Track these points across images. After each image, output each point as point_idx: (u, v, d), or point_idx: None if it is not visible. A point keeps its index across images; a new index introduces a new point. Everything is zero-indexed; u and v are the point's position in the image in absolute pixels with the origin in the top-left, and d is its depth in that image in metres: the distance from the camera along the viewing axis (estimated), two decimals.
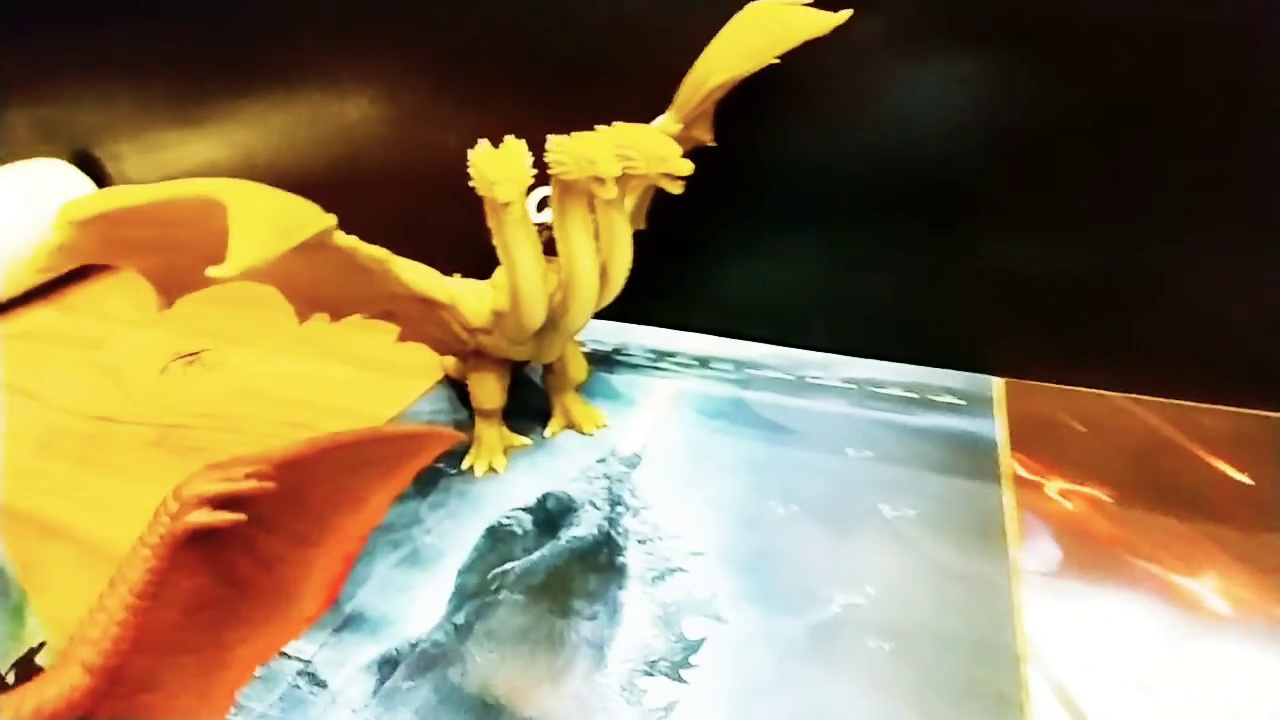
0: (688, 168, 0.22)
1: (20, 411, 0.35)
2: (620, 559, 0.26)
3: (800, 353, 0.36)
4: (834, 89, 0.32)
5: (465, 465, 0.30)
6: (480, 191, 0.21)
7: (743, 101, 0.32)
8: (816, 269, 0.36)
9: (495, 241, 0.23)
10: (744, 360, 0.36)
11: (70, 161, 0.49)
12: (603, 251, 0.25)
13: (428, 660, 0.23)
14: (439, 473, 0.30)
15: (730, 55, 0.27)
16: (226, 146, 0.45)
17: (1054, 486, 0.27)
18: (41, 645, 0.20)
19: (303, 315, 0.26)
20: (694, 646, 0.23)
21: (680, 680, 0.22)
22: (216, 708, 0.19)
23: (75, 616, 0.17)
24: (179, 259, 0.21)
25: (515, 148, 0.22)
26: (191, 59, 0.44)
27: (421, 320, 0.27)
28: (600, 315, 0.40)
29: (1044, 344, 0.33)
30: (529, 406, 0.33)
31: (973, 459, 0.29)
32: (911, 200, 0.33)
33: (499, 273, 0.25)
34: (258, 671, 0.22)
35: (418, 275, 0.25)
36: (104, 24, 0.44)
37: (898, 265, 0.34)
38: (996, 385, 0.33)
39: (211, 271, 0.15)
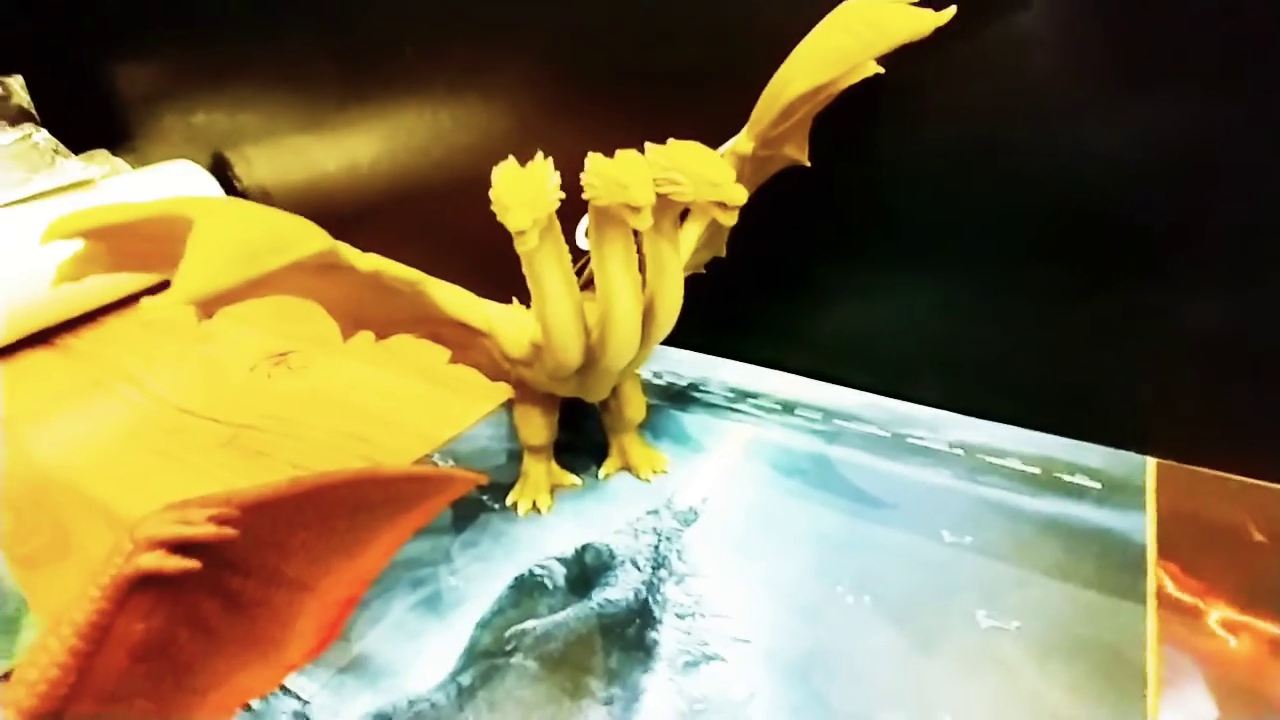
0: (741, 196, 0.19)
1: (124, 397, 0.37)
2: (652, 634, 0.23)
3: (903, 406, 0.31)
4: (958, 101, 0.27)
5: (509, 501, 0.28)
6: (498, 216, 0.19)
7: (847, 115, 0.27)
8: (930, 310, 0.30)
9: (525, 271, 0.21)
10: (835, 410, 0.32)
11: (211, 164, 0.52)
12: (649, 285, 0.22)
13: None
14: (480, 506, 0.28)
15: (811, 62, 0.23)
16: (341, 153, 0.46)
17: (1216, 615, 0.21)
18: None
19: (346, 333, 0.25)
20: None
21: None
22: None
23: None
24: None
25: (537, 170, 0.19)
26: (313, 73, 0.45)
27: (466, 346, 0.25)
28: (684, 346, 0.37)
29: (1216, 419, 0.26)
30: (590, 441, 0.30)
31: (1107, 564, 0.23)
32: (1050, 234, 0.27)
33: None
34: (255, 706, 0.21)
35: (454, 299, 0.23)
36: (240, 39, 0.47)
37: (1030, 311, 0.28)
38: (1147, 467, 0.27)
39: (147, 303, 0.14)
